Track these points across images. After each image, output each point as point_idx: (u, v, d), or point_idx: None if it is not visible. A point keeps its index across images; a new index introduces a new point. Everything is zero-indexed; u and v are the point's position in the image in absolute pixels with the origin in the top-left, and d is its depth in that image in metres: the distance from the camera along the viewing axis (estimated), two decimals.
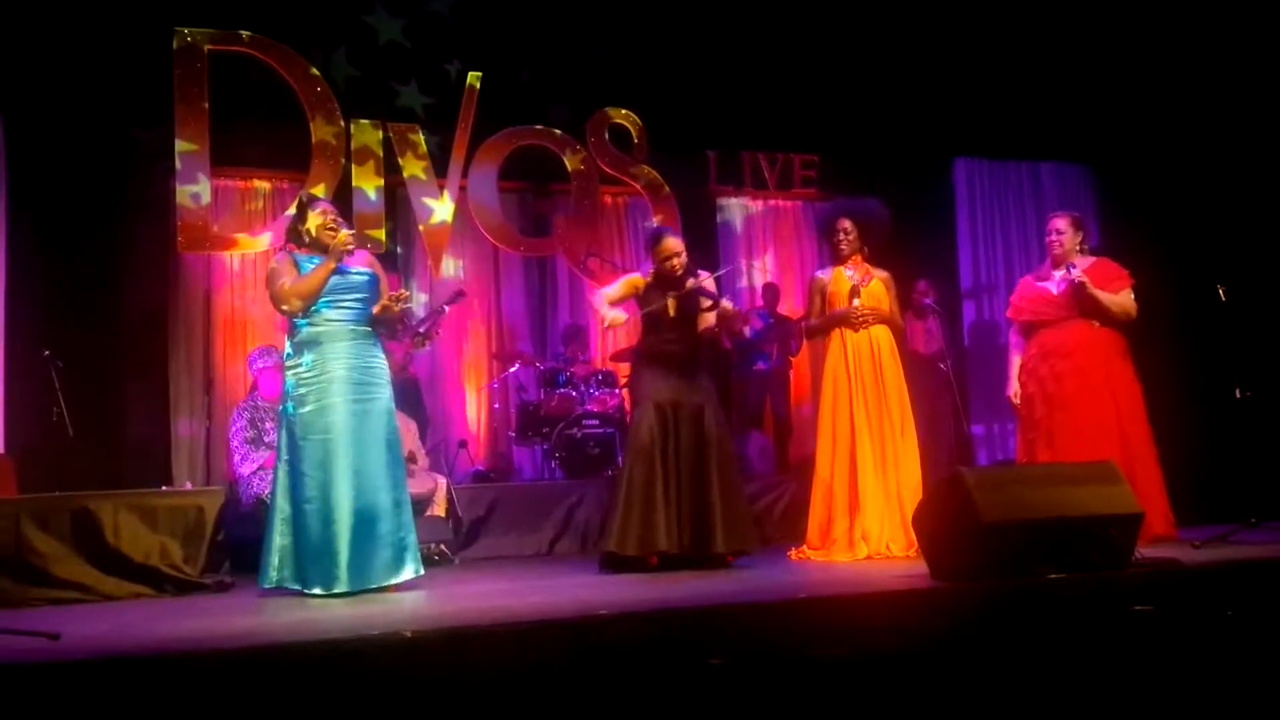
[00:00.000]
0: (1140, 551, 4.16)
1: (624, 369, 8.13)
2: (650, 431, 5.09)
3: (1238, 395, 5.57)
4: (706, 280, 5.30)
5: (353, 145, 7.73)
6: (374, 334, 4.81)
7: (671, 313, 5.23)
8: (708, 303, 5.29)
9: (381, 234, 7.74)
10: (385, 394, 4.76)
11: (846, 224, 5.56)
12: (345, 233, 4.69)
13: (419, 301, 8.18)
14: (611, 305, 5.27)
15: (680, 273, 5.24)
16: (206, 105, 7.31)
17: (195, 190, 7.30)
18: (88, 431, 6.46)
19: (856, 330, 5.45)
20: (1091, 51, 8.46)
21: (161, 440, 7.55)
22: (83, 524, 4.82)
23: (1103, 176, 9.54)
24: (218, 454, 7.38)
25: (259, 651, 3.06)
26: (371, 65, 8.03)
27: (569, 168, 8.34)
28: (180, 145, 7.26)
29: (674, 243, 5.30)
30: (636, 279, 5.36)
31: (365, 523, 4.56)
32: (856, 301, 5.47)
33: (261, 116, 7.76)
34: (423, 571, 4.77)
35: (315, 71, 7.63)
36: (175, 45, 7.31)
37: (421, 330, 7.41)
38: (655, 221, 8.25)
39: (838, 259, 5.61)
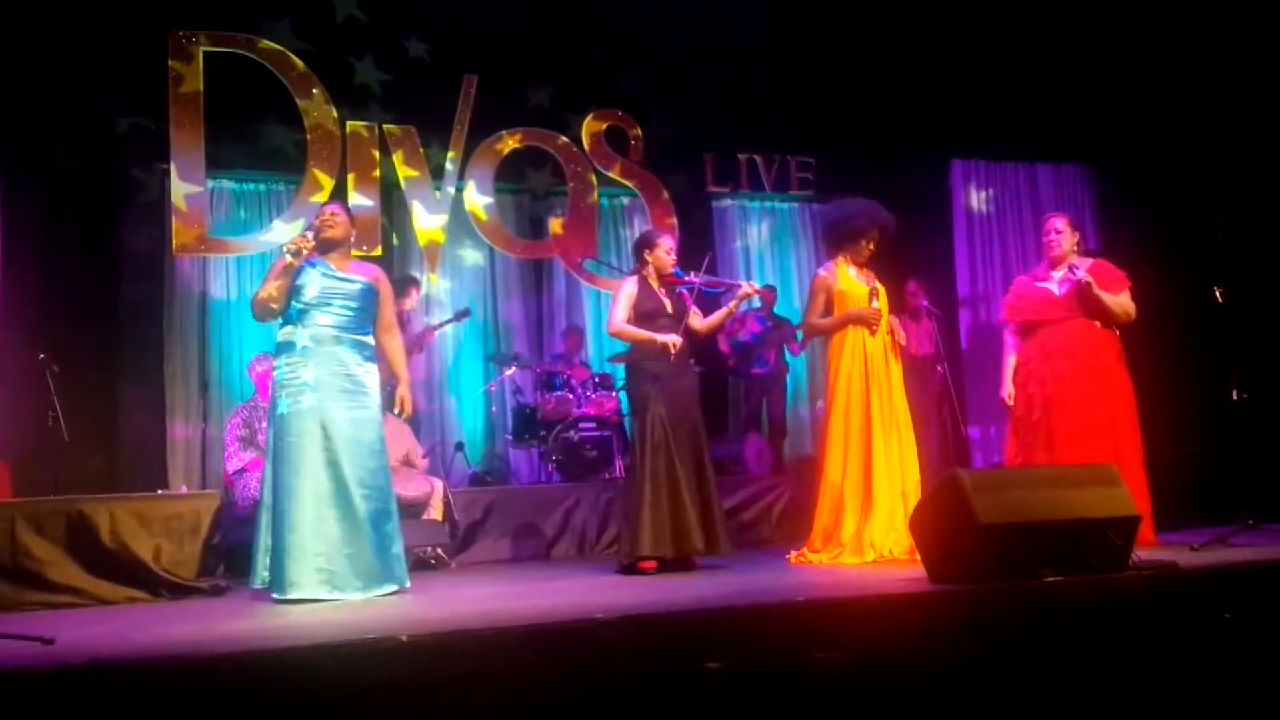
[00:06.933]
0: (1138, 554, 4.15)
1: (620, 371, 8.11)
2: (663, 430, 5.11)
3: (1235, 397, 5.56)
4: (699, 277, 5.37)
5: (347, 146, 7.72)
6: (366, 342, 4.77)
7: (669, 309, 5.28)
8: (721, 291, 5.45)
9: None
10: (372, 402, 4.71)
11: (875, 232, 5.54)
12: (298, 236, 4.70)
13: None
14: (634, 325, 5.24)
15: (674, 265, 5.38)
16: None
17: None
18: (83, 435, 6.47)
19: (874, 333, 5.43)
20: (1088, 51, 8.46)
21: (157, 443, 7.54)
22: (78, 528, 4.81)
23: (1100, 176, 9.54)
24: (214, 457, 7.37)
25: (254, 656, 3.05)
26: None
27: (565, 170, 8.33)
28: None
29: (668, 238, 5.58)
30: (628, 287, 5.34)
31: (347, 531, 4.50)
32: (876, 303, 5.45)
33: (256, 118, 7.75)
34: (409, 584, 4.70)
35: (310, 71, 7.61)
36: (169, 50, 7.30)
37: (422, 337, 7.59)
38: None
39: (858, 261, 5.55)
